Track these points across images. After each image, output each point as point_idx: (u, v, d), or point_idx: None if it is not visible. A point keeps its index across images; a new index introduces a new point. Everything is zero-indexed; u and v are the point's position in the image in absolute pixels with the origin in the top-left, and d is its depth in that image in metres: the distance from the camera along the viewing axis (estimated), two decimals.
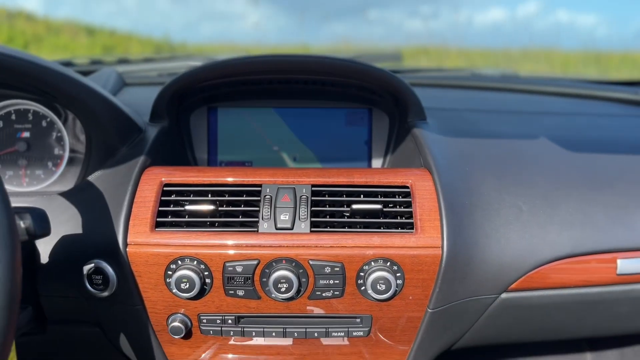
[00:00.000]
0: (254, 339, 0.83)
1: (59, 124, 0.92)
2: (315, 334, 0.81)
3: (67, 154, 0.92)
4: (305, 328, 0.81)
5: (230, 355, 0.87)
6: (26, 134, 0.92)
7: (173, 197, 0.80)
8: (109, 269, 0.77)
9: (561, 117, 1.09)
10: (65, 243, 0.78)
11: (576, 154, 0.94)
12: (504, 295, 0.85)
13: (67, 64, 1.38)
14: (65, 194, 0.83)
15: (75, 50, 11.67)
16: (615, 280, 0.87)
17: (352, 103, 0.99)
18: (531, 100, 1.21)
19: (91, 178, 0.85)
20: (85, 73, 1.23)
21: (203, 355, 0.85)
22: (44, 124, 0.92)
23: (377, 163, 1.00)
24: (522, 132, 0.99)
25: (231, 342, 0.84)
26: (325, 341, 0.84)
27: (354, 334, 0.81)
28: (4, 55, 0.74)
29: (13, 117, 0.92)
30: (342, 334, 0.81)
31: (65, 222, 0.80)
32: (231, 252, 0.76)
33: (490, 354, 1.63)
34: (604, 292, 0.88)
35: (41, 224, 0.67)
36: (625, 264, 0.86)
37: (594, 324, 0.97)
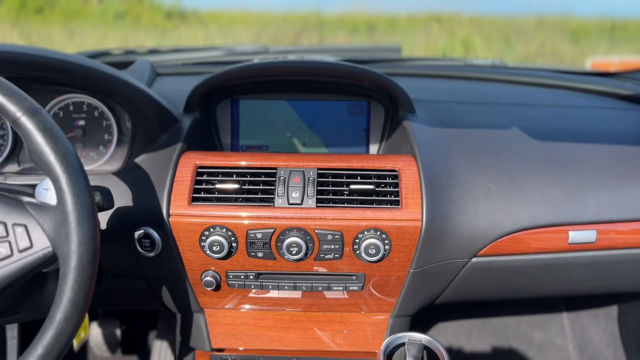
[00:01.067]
0: (270, 291, 1.02)
1: (109, 114, 1.10)
2: (320, 288, 1.01)
3: (115, 139, 1.11)
4: (312, 283, 1.00)
5: (249, 306, 1.07)
6: (82, 122, 1.11)
7: (205, 177, 0.99)
8: (155, 235, 0.96)
9: (535, 108, 1.26)
10: (120, 214, 0.98)
11: (542, 142, 1.11)
12: (474, 260, 1.04)
13: (105, 54, 1.56)
14: (117, 173, 1.02)
15: (87, 17, 11.71)
16: (567, 248, 1.05)
17: (354, 96, 1.16)
18: (512, 91, 1.37)
19: (137, 160, 1.03)
20: (121, 63, 1.41)
21: (229, 304, 1.05)
22: (96, 114, 1.11)
23: (373, 148, 1.18)
24: (498, 123, 1.16)
25: (251, 294, 1.04)
26: (327, 294, 1.03)
27: (351, 288, 1.01)
28: (72, 64, 0.92)
29: (71, 108, 1.10)
30: (341, 288, 1.01)
31: (119, 196, 0.98)
32: (252, 222, 0.95)
33: (478, 311, 1.84)
34: (558, 258, 1.06)
35: (108, 199, 0.87)
36: (576, 235, 1.04)
37: (553, 285, 1.15)
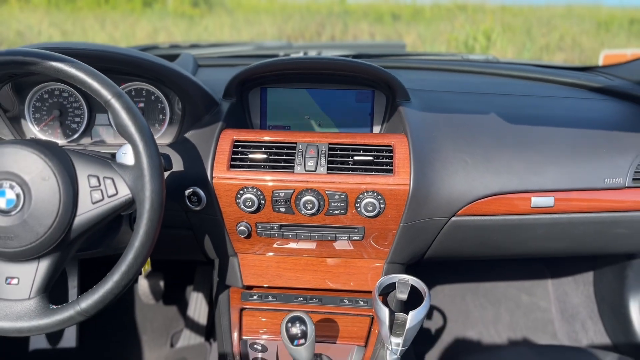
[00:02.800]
0: (290, 240, 1.29)
1: (163, 98, 1.38)
2: (329, 237, 1.27)
3: (167, 119, 1.38)
4: (322, 234, 1.27)
5: (273, 252, 1.34)
6: (141, 105, 1.38)
7: (240, 149, 1.25)
8: (201, 193, 1.24)
9: (513, 97, 1.49)
10: (174, 176, 1.25)
11: (514, 126, 1.35)
12: (453, 219, 1.29)
13: (155, 47, 1.84)
14: (170, 145, 1.29)
15: (115, 5, 12.03)
16: (530, 211, 1.29)
17: (360, 86, 1.41)
18: (497, 82, 1.61)
19: (186, 135, 1.30)
20: (168, 56, 1.68)
21: (257, 249, 1.33)
22: (152, 98, 1.38)
23: (376, 129, 1.43)
24: (479, 109, 1.39)
25: (275, 243, 1.31)
26: (335, 243, 1.29)
27: (353, 238, 1.27)
28: (140, 59, 1.20)
29: (133, 93, 1.38)
30: (346, 238, 1.27)
31: (173, 163, 1.26)
32: (276, 184, 1.21)
33: (471, 276, 2.09)
34: (523, 219, 1.31)
35: (168, 162, 1.14)
36: (537, 200, 1.28)
37: (523, 242, 1.39)
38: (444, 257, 1.48)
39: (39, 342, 1.87)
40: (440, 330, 2.00)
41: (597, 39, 8.96)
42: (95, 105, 1.40)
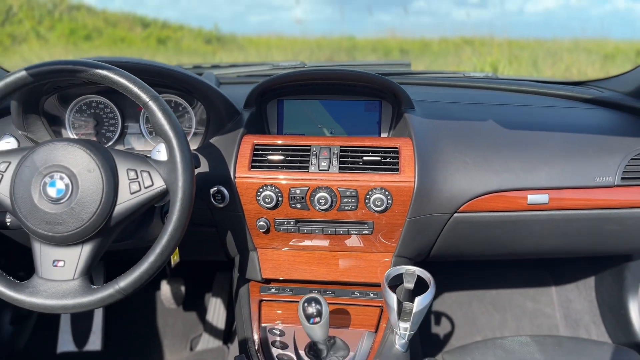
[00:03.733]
0: (305, 235, 1.40)
1: (189, 109, 1.52)
2: (341, 232, 1.38)
3: (194, 126, 1.52)
4: (335, 228, 1.38)
5: (288, 248, 1.45)
6: None
7: (260, 152, 1.38)
8: (224, 191, 1.36)
9: (509, 107, 1.61)
10: (200, 176, 1.37)
11: (510, 131, 1.47)
12: (456, 215, 1.40)
13: (178, 67, 1.99)
14: (197, 150, 1.43)
15: (132, 43, 12.43)
16: (526, 207, 1.40)
17: (369, 97, 1.55)
18: (495, 95, 1.74)
19: (211, 141, 1.43)
20: None
21: (275, 244, 1.44)
22: (180, 109, 1.52)
23: (383, 135, 1.55)
24: (478, 116, 1.52)
25: (291, 237, 1.42)
26: (346, 238, 1.40)
27: (363, 232, 1.38)
28: (175, 72, 1.34)
29: None
30: (356, 232, 1.38)
31: (201, 164, 1.39)
32: (293, 182, 1.33)
33: (477, 283, 2.17)
34: (521, 215, 1.41)
35: (197, 160, 1.27)
36: (533, 197, 1.39)
37: (521, 239, 1.49)
38: (449, 256, 1.58)
39: (66, 345, 1.97)
40: (448, 336, 2.08)
41: (603, 70, 9.11)
42: (128, 117, 1.54)
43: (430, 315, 2.12)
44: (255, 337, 1.32)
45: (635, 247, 1.62)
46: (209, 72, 1.80)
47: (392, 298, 1.20)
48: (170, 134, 1.13)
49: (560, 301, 2.13)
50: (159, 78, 1.38)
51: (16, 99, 1.39)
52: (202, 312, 2.11)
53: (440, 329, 2.09)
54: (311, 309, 1.15)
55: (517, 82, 1.83)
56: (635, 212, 1.43)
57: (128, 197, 1.13)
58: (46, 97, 1.45)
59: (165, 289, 2.02)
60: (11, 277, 1.13)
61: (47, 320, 2.03)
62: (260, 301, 1.44)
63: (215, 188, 1.36)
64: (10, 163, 1.14)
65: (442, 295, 2.18)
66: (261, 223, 1.38)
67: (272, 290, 1.46)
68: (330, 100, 1.56)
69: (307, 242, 1.43)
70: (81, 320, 2.03)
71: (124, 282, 1.10)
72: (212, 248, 1.55)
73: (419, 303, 1.18)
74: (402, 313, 1.23)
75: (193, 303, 2.12)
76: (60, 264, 1.13)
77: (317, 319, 1.16)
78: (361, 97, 1.55)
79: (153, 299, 2.09)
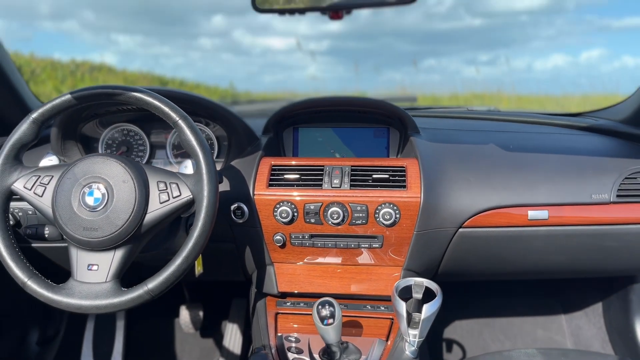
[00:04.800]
0: (319, 249, 1.49)
1: (212, 135, 1.65)
2: (352, 245, 1.47)
3: (216, 150, 1.65)
4: (347, 242, 1.47)
5: (303, 263, 1.54)
6: None
7: (277, 171, 1.50)
8: (244, 207, 1.47)
9: (511, 133, 1.73)
10: (222, 194, 1.48)
11: (510, 152, 1.57)
12: (461, 230, 1.48)
13: None
14: (220, 170, 1.54)
15: None
16: (527, 223, 1.48)
17: (377, 124, 1.67)
18: (498, 124, 1.86)
19: (232, 163, 1.55)
20: None
21: (291, 259, 1.53)
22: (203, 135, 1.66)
23: None
24: (480, 140, 1.63)
25: (306, 253, 1.51)
26: (357, 252, 1.49)
27: (374, 246, 1.47)
28: (202, 99, 1.49)
29: None
30: (367, 245, 1.47)
31: (222, 184, 1.50)
32: (307, 198, 1.44)
33: (488, 312, 2.22)
34: (522, 231, 1.49)
35: (220, 176, 1.39)
36: (533, 213, 1.47)
37: (523, 255, 1.56)
38: (456, 274, 1.65)
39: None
40: None
41: None
42: (156, 144, 1.67)
43: (442, 343, 2.16)
44: (272, 343, 1.39)
45: (638, 266, 1.68)
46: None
47: (402, 305, 1.27)
48: (197, 148, 1.25)
49: (570, 329, 2.16)
50: (186, 105, 1.52)
51: (56, 125, 1.53)
52: (219, 338, 2.16)
53: (452, 356, 2.12)
54: (325, 311, 1.23)
55: (518, 113, 1.95)
56: (632, 229, 1.51)
57: (158, 206, 1.24)
58: (83, 124, 1.59)
59: (184, 314, 2.09)
60: (49, 281, 1.23)
61: (71, 343, 2.10)
62: (277, 314, 1.51)
63: (236, 204, 1.47)
64: (53, 177, 1.27)
65: (453, 323, 2.22)
66: (278, 237, 1.47)
67: (288, 304, 1.54)
68: (341, 128, 1.69)
69: (320, 260, 1.52)
70: (102, 345, 2.10)
71: (153, 283, 1.20)
72: (231, 266, 1.64)
73: (427, 310, 1.25)
74: (411, 322, 1.30)
75: (210, 329, 2.18)
76: (95, 267, 1.23)
77: (331, 321, 1.23)
78: (370, 124, 1.67)
79: (172, 326, 2.16)
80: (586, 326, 2.12)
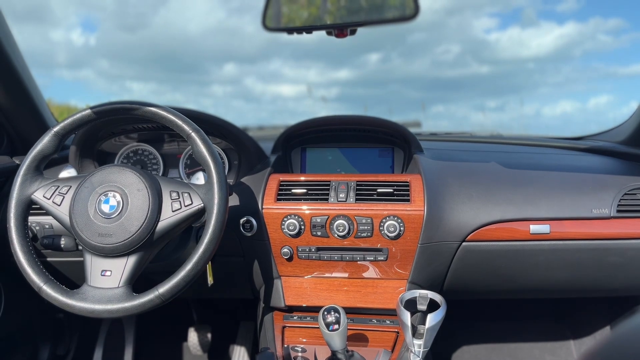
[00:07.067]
0: (325, 262, 1.52)
1: (223, 153, 1.72)
2: (357, 258, 1.51)
3: (227, 166, 1.71)
4: (352, 255, 1.50)
5: (311, 275, 1.57)
6: None
7: (285, 186, 1.55)
8: (253, 221, 1.51)
9: (512, 154, 1.78)
10: (232, 208, 1.53)
11: (511, 170, 1.62)
12: (464, 244, 1.51)
13: None
14: (231, 186, 1.60)
15: None
16: (529, 237, 1.51)
17: (382, 144, 1.73)
18: (500, 147, 1.91)
19: (242, 179, 1.61)
20: None
21: (298, 272, 1.56)
22: None
23: None
24: (481, 159, 1.68)
25: (312, 266, 1.54)
26: (363, 266, 1.52)
27: (379, 258, 1.50)
28: (214, 118, 1.56)
29: None
30: (372, 258, 1.50)
31: (232, 198, 1.55)
32: (314, 212, 1.48)
33: (496, 335, 2.21)
34: (525, 245, 1.52)
35: (230, 188, 1.44)
36: (535, 228, 1.51)
37: (527, 271, 1.58)
38: (461, 291, 1.67)
39: None
40: None
41: None
42: (169, 163, 1.74)
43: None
44: (279, 353, 1.41)
45: None
46: None
47: (407, 316, 1.29)
48: (209, 159, 1.31)
49: (579, 354, 2.14)
50: (200, 122, 1.59)
51: (75, 143, 1.61)
52: (227, 357, 2.17)
53: None
54: (330, 317, 1.26)
55: (521, 137, 2.00)
56: (634, 244, 1.53)
57: (170, 214, 1.29)
58: (101, 143, 1.67)
59: (192, 335, 2.11)
60: (64, 286, 1.28)
61: None
62: (284, 327, 1.54)
63: (245, 218, 1.51)
64: (71, 186, 1.33)
65: (461, 348, 2.21)
66: (285, 250, 1.51)
67: (295, 317, 1.56)
68: (347, 148, 1.75)
69: (327, 275, 1.55)
70: None
71: (163, 288, 1.24)
72: (240, 281, 1.67)
73: (431, 319, 1.27)
74: (416, 333, 1.32)
75: (217, 352, 2.19)
76: (108, 273, 1.27)
77: (336, 326, 1.26)
78: (375, 144, 1.74)
79: (180, 347, 2.17)
80: (596, 351, 2.10)
